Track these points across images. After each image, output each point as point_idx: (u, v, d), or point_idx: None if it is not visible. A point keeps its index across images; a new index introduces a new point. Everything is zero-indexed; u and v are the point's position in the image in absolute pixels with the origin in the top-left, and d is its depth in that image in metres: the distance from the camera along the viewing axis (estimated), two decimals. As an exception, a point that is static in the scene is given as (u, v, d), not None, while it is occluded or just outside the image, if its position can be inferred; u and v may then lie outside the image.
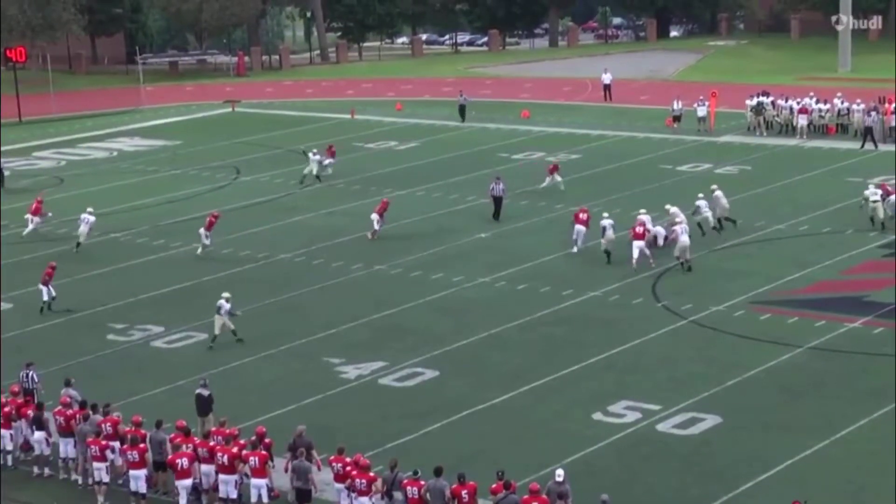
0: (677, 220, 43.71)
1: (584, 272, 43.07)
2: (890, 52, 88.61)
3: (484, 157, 62.03)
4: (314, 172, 57.73)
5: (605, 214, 45.07)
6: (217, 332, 36.95)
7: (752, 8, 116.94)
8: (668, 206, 45.66)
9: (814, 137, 64.01)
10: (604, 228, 43.93)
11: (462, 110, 74.01)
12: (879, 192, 47.34)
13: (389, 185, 56.62)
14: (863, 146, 61.01)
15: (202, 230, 46.62)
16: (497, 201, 49.93)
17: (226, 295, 37.21)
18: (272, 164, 63.00)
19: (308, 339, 37.64)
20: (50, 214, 49.95)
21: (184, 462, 27.01)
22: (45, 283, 40.93)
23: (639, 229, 43.21)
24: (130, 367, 36.06)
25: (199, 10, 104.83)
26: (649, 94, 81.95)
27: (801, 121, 64.38)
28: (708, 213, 46.28)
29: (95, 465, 27.77)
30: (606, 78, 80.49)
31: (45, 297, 40.87)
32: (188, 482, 27.03)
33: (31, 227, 48.41)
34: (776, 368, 33.94)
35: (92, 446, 27.78)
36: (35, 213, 49.24)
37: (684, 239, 42.48)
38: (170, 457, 27.35)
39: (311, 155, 58.80)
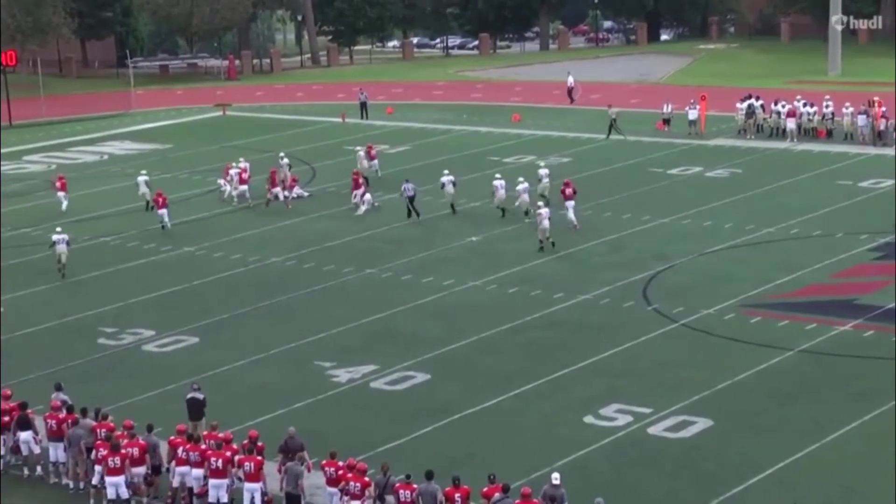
0: (540, 202, 48.46)
1: (575, 276, 43.09)
2: (878, 55, 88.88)
3: (475, 161, 62.03)
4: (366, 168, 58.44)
5: (498, 175, 51.68)
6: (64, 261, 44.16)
7: (743, 11, 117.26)
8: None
9: (804, 141, 64.14)
10: (496, 189, 49.84)
11: (363, 107, 76.83)
12: (547, 173, 52.20)
13: (380, 188, 56.56)
14: (608, 136, 65.86)
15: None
16: (409, 200, 51.09)
17: (58, 229, 44.87)
18: (263, 168, 62.81)
19: (299, 342, 37.61)
20: None
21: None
22: (163, 207, 49.52)
23: (568, 191, 48.39)
24: (121, 371, 36.01)
25: (190, 14, 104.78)
26: (640, 97, 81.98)
27: (790, 124, 64.48)
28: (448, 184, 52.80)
29: (99, 468, 27.62)
30: (570, 80, 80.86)
31: (166, 220, 49.69)
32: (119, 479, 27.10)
33: None
34: (767, 372, 33.97)
35: (100, 448, 27.63)
36: None
37: (545, 224, 45.60)
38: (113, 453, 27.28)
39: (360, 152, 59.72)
